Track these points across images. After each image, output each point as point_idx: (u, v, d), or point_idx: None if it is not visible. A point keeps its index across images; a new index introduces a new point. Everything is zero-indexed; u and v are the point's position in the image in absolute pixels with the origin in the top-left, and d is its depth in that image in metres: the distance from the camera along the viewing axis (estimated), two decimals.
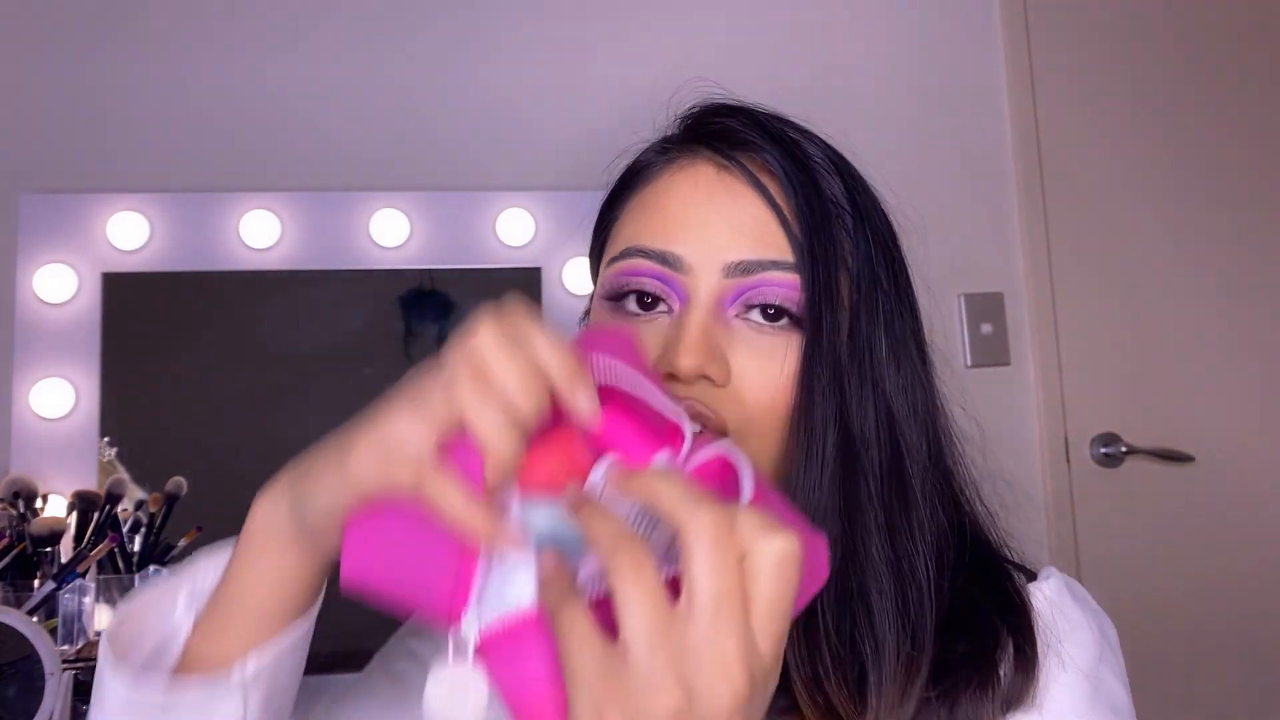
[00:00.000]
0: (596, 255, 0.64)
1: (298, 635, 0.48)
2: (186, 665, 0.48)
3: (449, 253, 1.46)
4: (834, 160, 0.60)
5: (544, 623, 0.38)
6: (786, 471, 0.55)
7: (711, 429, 0.53)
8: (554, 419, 0.42)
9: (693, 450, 0.44)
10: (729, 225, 0.55)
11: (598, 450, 0.44)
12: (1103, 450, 1.64)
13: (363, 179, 1.49)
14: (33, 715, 0.90)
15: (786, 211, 0.56)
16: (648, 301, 0.57)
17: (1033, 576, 0.59)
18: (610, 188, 0.64)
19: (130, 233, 1.38)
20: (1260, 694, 1.64)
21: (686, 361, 0.52)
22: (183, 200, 1.41)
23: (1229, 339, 1.73)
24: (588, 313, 0.64)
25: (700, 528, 0.34)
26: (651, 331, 0.56)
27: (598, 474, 0.43)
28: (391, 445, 0.40)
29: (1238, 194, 1.77)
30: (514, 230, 1.47)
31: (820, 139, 0.61)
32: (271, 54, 1.52)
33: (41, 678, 0.91)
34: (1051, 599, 0.56)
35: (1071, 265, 1.68)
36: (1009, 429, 1.62)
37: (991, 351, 1.64)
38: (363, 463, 0.41)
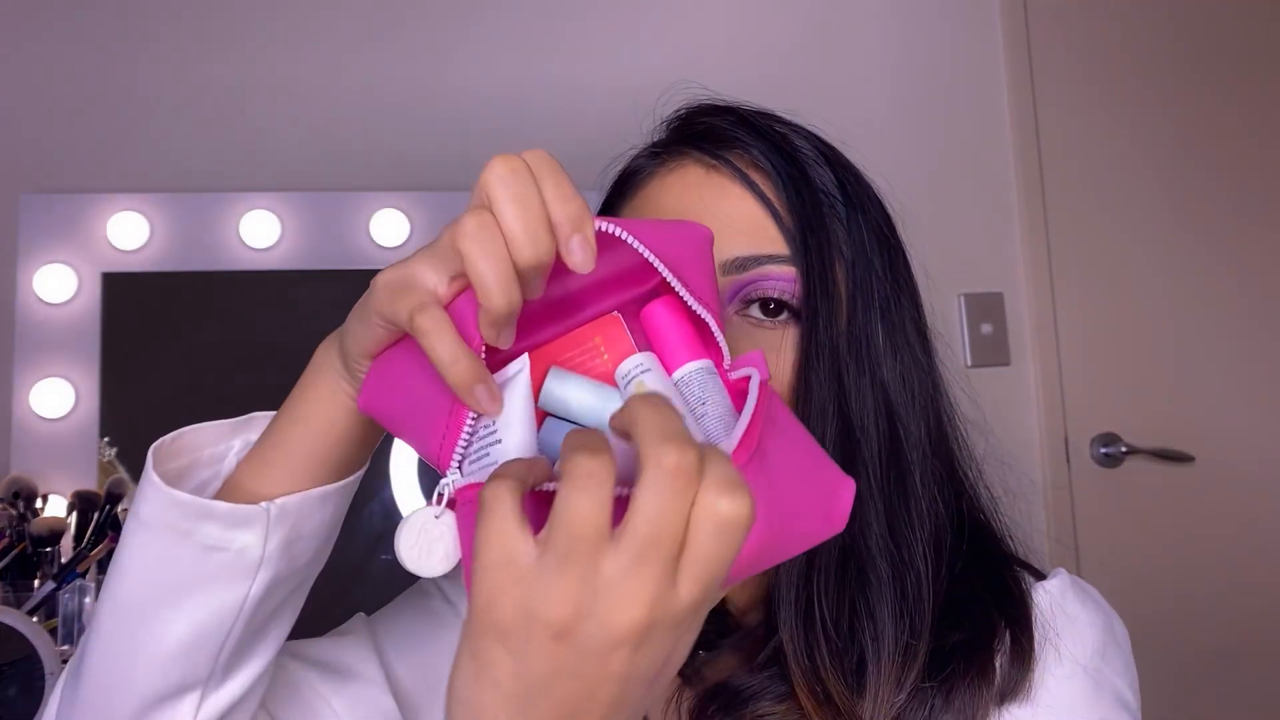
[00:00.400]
0: None
1: (330, 490, 0.50)
2: (223, 495, 0.50)
3: None
4: (823, 150, 0.60)
5: None
6: None
7: None
8: (599, 303, 0.42)
9: (733, 365, 0.44)
10: (721, 223, 0.55)
11: (645, 345, 0.44)
12: (1103, 450, 1.64)
13: (363, 179, 1.49)
14: (33, 715, 0.91)
15: (777, 205, 0.56)
16: None
17: (1041, 576, 0.59)
18: (604, 196, 0.65)
19: (130, 233, 1.38)
20: (1260, 694, 1.64)
21: None
22: (183, 200, 1.41)
23: (1229, 339, 1.73)
24: None
25: (659, 466, 0.32)
26: None
27: (627, 366, 0.43)
28: (404, 283, 0.40)
29: (1238, 194, 1.77)
30: None
31: (808, 130, 0.61)
32: (272, 54, 1.52)
33: (41, 678, 0.91)
34: (1053, 595, 0.56)
35: (1071, 265, 1.68)
36: (1009, 429, 1.62)
37: (991, 351, 1.64)
38: (379, 298, 0.41)
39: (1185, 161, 1.75)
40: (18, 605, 1.04)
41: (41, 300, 1.35)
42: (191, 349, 1.41)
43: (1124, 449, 1.63)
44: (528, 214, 0.38)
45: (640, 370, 0.42)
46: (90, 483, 1.31)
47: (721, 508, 0.33)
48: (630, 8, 1.62)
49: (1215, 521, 1.67)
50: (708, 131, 0.59)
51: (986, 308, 1.65)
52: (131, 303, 1.38)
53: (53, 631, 1.07)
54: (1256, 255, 1.77)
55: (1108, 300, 1.69)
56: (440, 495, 0.38)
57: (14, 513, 1.19)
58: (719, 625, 0.58)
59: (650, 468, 0.32)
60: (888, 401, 0.56)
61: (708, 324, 0.44)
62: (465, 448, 0.39)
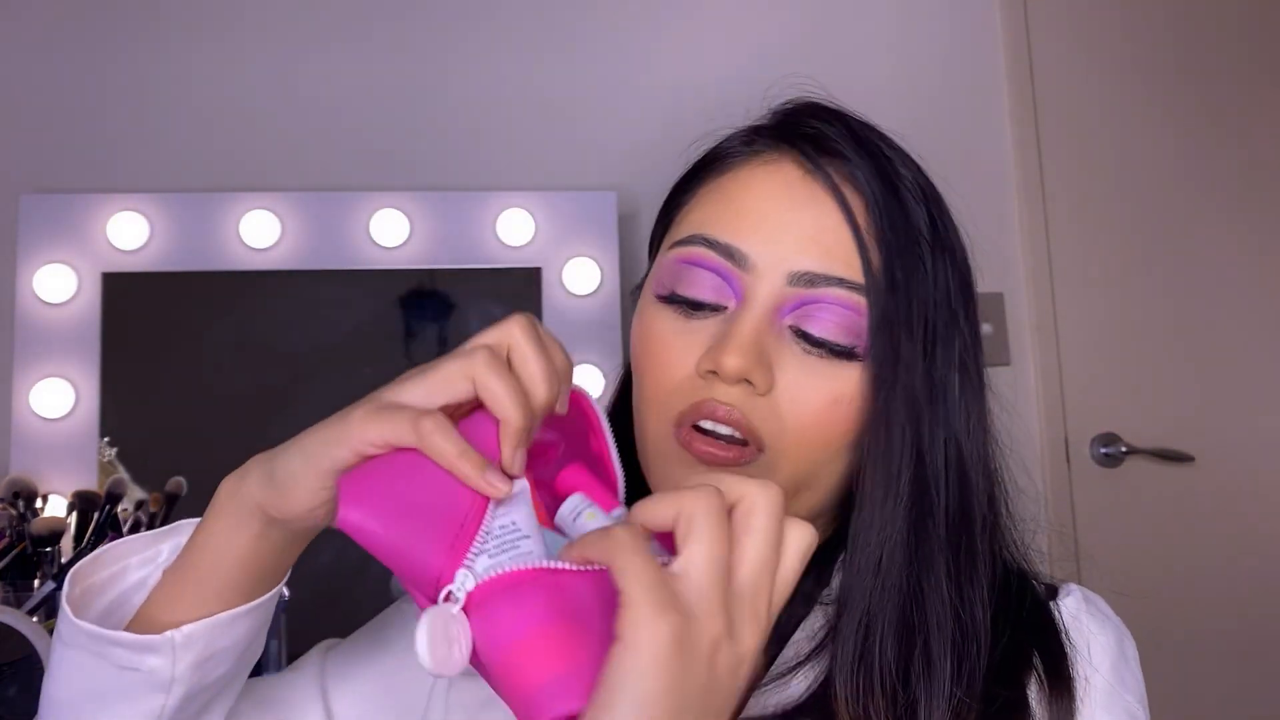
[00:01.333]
0: (661, 233, 0.62)
1: (241, 612, 0.49)
2: (138, 616, 0.50)
3: (449, 253, 1.46)
4: (923, 186, 0.58)
5: (542, 581, 0.40)
6: (828, 497, 0.56)
7: (746, 438, 0.53)
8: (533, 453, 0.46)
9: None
10: (803, 232, 0.53)
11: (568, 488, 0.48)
12: (1103, 450, 1.64)
13: (363, 179, 1.49)
14: (33, 715, 0.90)
15: (865, 231, 0.54)
16: (698, 305, 0.55)
17: (1053, 592, 0.58)
18: (685, 169, 0.62)
19: (130, 233, 1.38)
20: (1260, 694, 1.64)
21: (732, 361, 0.51)
22: (183, 200, 1.41)
23: (1229, 339, 1.73)
24: (639, 288, 0.62)
25: (755, 516, 0.40)
26: (701, 327, 0.54)
27: (574, 502, 0.46)
28: (399, 405, 0.42)
29: (1238, 194, 1.77)
30: (514, 230, 1.47)
31: (912, 159, 0.59)
32: (272, 54, 1.52)
33: (41, 678, 0.91)
34: (1068, 617, 0.56)
35: (1071, 265, 1.68)
36: (1009, 429, 1.62)
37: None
38: (365, 420, 0.42)
39: (1185, 162, 1.75)
40: (18, 605, 1.04)
41: (41, 300, 1.35)
42: (191, 349, 1.41)
43: (1124, 449, 1.63)
44: (547, 363, 0.44)
45: (586, 505, 0.46)
46: (90, 483, 1.31)
47: (794, 536, 0.41)
48: (630, 7, 1.62)
49: (1215, 521, 1.66)
50: (814, 135, 0.57)
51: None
52: (131, 303, 1.38)
53: (52, 631, 1.06)
54: (1257, 255, 1.76)
55: (1108, 300, 1.69)
56: (450, 594, 0.39)
57: (14, 513, 1.19)
58: None
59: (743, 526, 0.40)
60: (960, 456, 0.55)
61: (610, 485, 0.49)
62: (483, 544, 0.41)
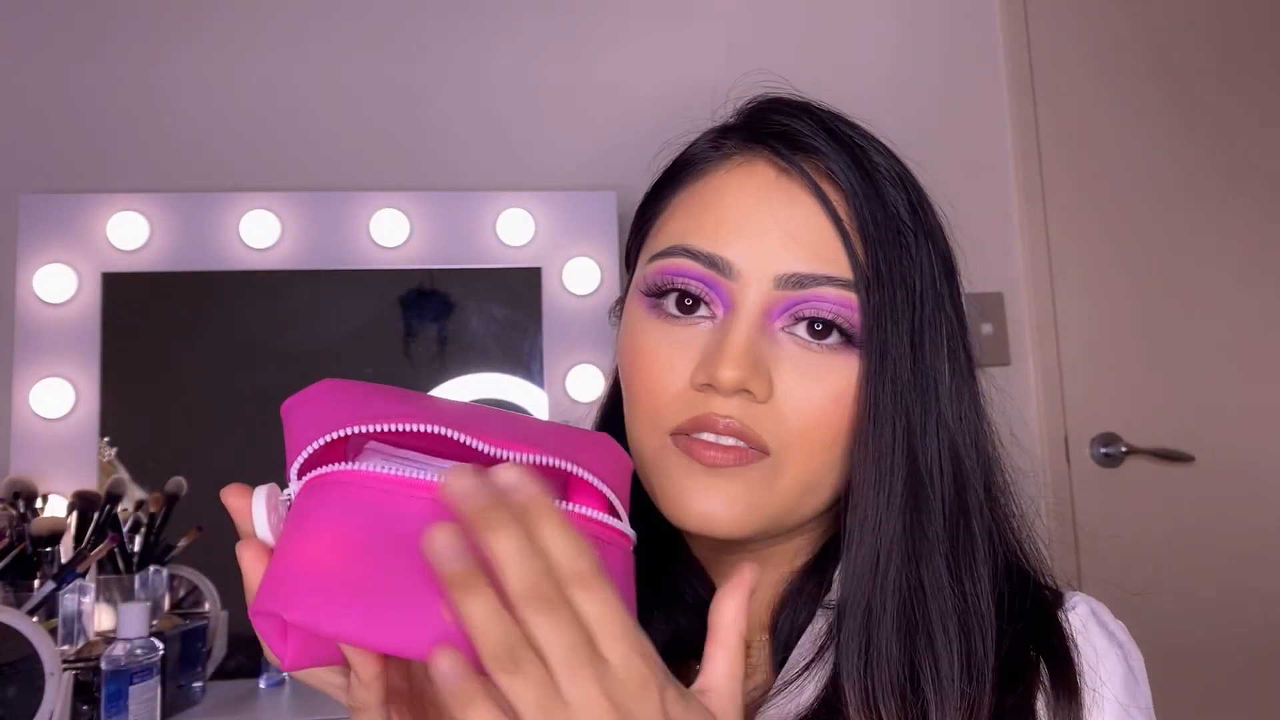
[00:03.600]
0: (636, 245, 0.61)
1: None
2: None
3: (449, 253, 1.46)
4: (899, 172, 0.57)
5: (372, 485, 0.38)
6: (835, 495, 0.54)
7: (750, 445, 0.51)
8: None
9: None
10: (785, 233, 0.52)
11: None
12: (1103, 450, 1.64)
13: (363, 179, 1.49)
14: (33, 715, 0.91)
15: (848, 225, 0.53)
16: (688, 304, 0.54)
17: (1058, 599, 0.58)
18: (656, 176, 0.61)
19: (130, 233, 1.38)
20: (1260, 694, 1.64)
21: (728, 373, 0.50)
22: (183, 200, 1.41)
23: (1229, 339, 1.73)
24: (620, 302, 0.62)
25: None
26: (691, 337, 0.53)
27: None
28: None
29: (1238, 194, 1.77)
30: (514, 230, 1.47)
31: (884, 145, 0.58)
32: (272, 54, 1.52)
33: (41, 678, 0.91)
34: (1077, 630, 0.55)
35: (1071, 265, 1.68)
36: (1009, 429, 1.62)
37: (991, 351, 1.64)
38: None
39: (1185, 161, 1.75)
40: (18, 605, 1.04)
41: (41, 300, 1.35)
42: (191, 349, 1.41)
43: (1124, 449, 1.63)
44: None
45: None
46: (90, 483, 1.31)
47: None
48: (630, 7, 1.62)
49: (1215, 521, 1.66)
50: (784, 133, 0.55)
51: (986, 308, 1.65)
52: (131, 303, 1.38)
53: (53, 631, 1.06)
54: (1257, 255, 1.77)
55: (1108, 300, 1.69)
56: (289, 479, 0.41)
57: (14, 513, 1.19)
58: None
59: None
60: (953, 445, 0.53)
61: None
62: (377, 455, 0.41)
